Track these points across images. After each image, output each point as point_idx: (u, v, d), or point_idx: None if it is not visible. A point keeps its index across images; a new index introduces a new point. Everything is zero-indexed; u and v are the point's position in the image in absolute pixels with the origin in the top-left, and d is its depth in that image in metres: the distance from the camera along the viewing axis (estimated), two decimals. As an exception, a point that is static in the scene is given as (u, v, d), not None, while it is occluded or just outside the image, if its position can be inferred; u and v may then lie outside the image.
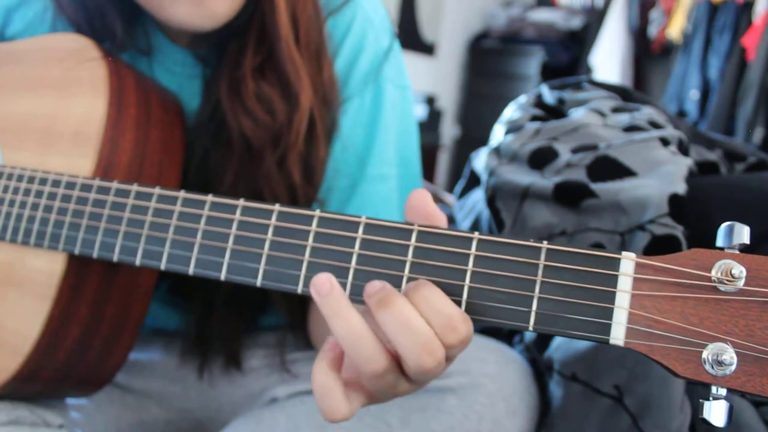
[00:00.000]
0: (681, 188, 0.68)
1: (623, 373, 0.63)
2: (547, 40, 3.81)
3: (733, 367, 0.32)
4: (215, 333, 0.70)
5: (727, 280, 0.33)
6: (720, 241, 0.34)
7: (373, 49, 0.68)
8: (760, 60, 2.93)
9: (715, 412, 0.33)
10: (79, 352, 0.56)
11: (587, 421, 0.64)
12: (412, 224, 0.40)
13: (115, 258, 0.49)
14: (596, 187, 0.73)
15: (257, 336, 0.76)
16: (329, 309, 0.38)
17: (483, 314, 0.38)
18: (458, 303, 0.38)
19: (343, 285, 0.40)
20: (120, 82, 0.58)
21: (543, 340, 0.74)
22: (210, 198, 0.46)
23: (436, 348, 0.36)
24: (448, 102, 4.07)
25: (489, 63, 4.03)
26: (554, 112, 0.94)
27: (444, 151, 3.95)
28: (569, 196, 0.74)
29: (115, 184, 0.50)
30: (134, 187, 0.49)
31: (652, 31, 3.56)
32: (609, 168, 0.74)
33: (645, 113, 0.85)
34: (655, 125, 0.82)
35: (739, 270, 0.33)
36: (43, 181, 0.54)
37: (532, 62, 3.78)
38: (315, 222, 0.42)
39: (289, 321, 0.72)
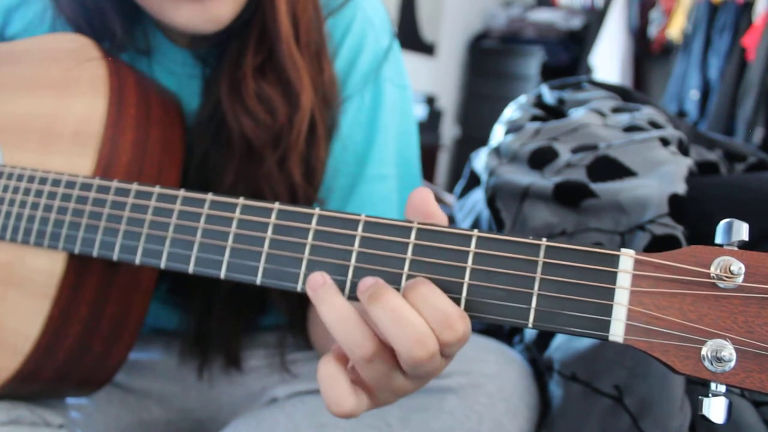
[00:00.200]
0: (681, 188, 0.68)
1: (623, 373, 0.63)
2: (547, 40, 3.82)
3: (733, 364, 0.32)
4: (215, 333, 0.70)
5: (726, 277, 0.33)
6: (719, 238, 0.34)
7: (372, 49, 0.68)
8: (760, 60, 2.94)
9: (715, 408, 0.33)
10: (79, 351, 0.56)
11: (587, 421, 0.64)
12: (411, 222, 0.40)
13: (115, 257, 0.49)
14: (596, 187, 0.73)
15: (257, 336, 0.76)
16: (319, 299, 0.39)
17: (482, 311, 0.38)
18: (457, 300, 0.38)
19: (343, 283, 0.40)
20: (120, 81, 0.58)
21: (543, 340, 0.74)
22: (210, 196, 0.46)
23: (428, 341, 0.36)
24: (448, 102, 4.07)
25: (489, 63, 4.04)
26: (554, 112, 0.94)
27: (444, 151, 3.95)
28: (569, 196, 0.74)
29: (115, 183, 0.50)
30: (134, 186, 0.49)
31: (652, 31, 3.57)
32: (609, 168, 0.74)
33: (645, 113, 0.85)
34: (655, 125, 0.82)
35: (738, 266, 0.33)
36: (43, 181, 0.55)
37: (532, 62, 3.78)
38: (315, 220, 0.42)
39: (289, 321, 0.72)
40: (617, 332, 0.35)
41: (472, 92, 4.10)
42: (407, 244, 0.40)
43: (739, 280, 0.33)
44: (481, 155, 0.94)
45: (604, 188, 0.72)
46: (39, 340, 0.53)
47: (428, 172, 3.53)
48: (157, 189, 0.48)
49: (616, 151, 0.76)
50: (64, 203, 0.52)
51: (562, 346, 0.70)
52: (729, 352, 0.32)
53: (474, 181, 0.98)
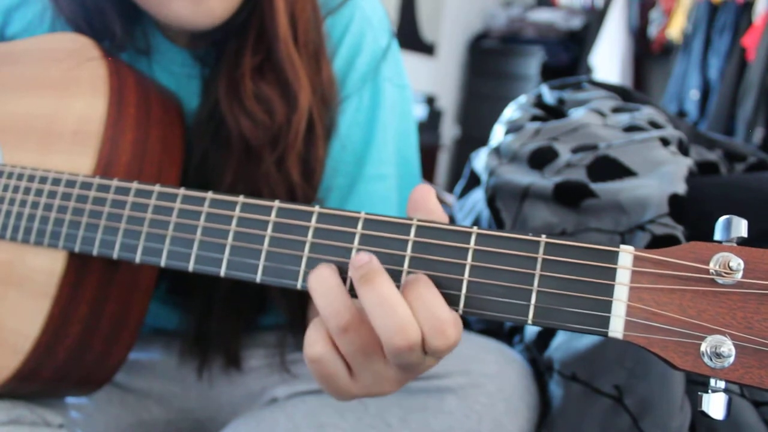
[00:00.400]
0: (681, 188, 0.68)
1: (623, 373, 0.63)
2: (547, 40, 3.82)
3: (732, 359, 0.32)
4: (215, 333, 0.70)
5: (725, 273, 0.33)
6: (718, 235, 0.34)
7: (371, 49, 0.68)
8: (760, 60, 2.94)
9: (714, 404, 0.33)
10: (79, 351, 0.56)
11: (587, 421, 0.64)
12: (411, 219, 0.40)
13: (115, 255, 0.49)
14: (596, 187, 0.73)
15: (257, 336, 0.76)
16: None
17: (482, 308, 0.38)
18: (457, 297, 0.38)
19: (343, 281, 0.40)
20: (120, 81, 0.58)
21: (543, 340, 0.74)
22: (210, 195, 0.46)
23: (410, 331, 0.37)
24: (448, 102, 4.07)
25: (489, 63, 4.04)
26: (554, 112, 0.94)
27: (444, 151, 3.95)
28: (569, 196, 0.74)
29: (115, 182, 0.50)
30: (134, 185, 0.49)
31: (652, 31, 3.57)
32: (609, 168, 0.74)
33: (645, 113, 0.85)
34: (655, 125, 0.82)
35: (737, 262, 0.33)
36: (43, 180, 0.55)
37: (532, 62, 3.78)
38: (314, 218, 0.42)
39: (289, 320, 0.72)
40: (617, 328, 0.35)
41: (472, 92, 4.10)
42: (407, 241, 0.40)
43: (738, 276, 0.33)
44: (481, 155, 0.94)
45: (604, 188, 0.72)
46: (39, 339, 0.53)
47: (428, 172, 3.53)
48: (157, 187, 0.48)
49: (616, 151, 0.76)
50: (64, 202, 0.52)
51: (562, 345, 0.70)
52: (728, 347, 0.32)
53: (474, 181, 0.98)
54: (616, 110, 0.88)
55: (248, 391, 0.74)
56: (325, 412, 0.64)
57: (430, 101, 3.63)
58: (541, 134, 0.84)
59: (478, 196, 0.94)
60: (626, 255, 0.35)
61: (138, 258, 0.48)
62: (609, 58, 3.58)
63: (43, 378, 0.56)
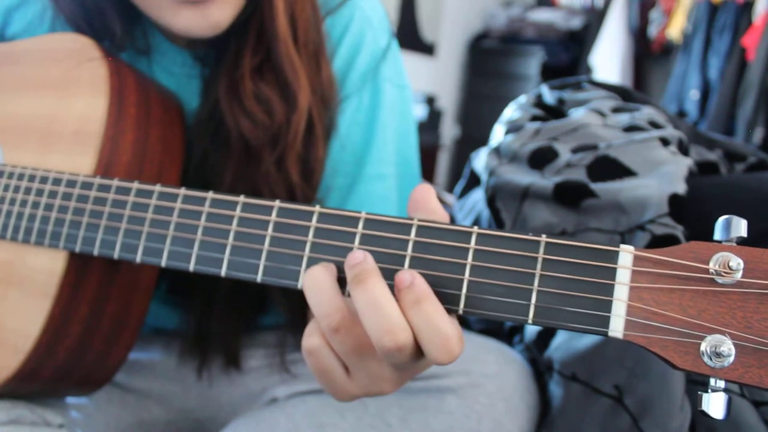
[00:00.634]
0: (681, 188, 0.68)
1: (623, 373, 0.63)
2: (547, 40, 3.82)
3: (732, 359, 0.32)
4: (215, 333, 0.70)
5: (725, 272, 0.33)
6: (718, 235, 0.34)
7: (371, 49, 0.68)
8: (760, 60, 2.94)
9: (714, 404, 0.33)
10: (80, 350, 0.56)
11: (587, 421, 0.64)
12: (411, 219, 0.40)
13: (116, 255, 0.49)
14: (596, 187, 0.73)
15: (257, 336, 0.76)
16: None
17: (483, 308, 0.38)
18: (458, 297, 0.38)
19: (343, 280, 0.40)
20: (120, 81, 0.58)
21: (543, 340, 0.74)
22: (210, 195, 0.46)
23: (399, 333, 0.37)
24: (448, 102, 4.07)
25: (489, 63, 4.04)
26: (554, 112, 0.94)
27: (444, 151, 3.95)
28: (569, 196, 0.74)
29: (115, 182, 0.51)
30: (135, 185, 0.49)
31: (652, 31, 3.57)
32: (609, 168, 0.75)
33: (645, 113, 0.85)
34: (655, 125, 0.82)
35: (737, 262, 0.33)
36: (43, 180, 0.55)
37: (532, 62, 3.78)
38: (315, 218, 0.42)
39: (289, 320, 0.72)
40: (617, 328, 0.35)
41: (472, 92, 4.10)
42: (407, 241, 0.40)
43: (738, 275, 0.33)
44: (481, 155, 0.94)
45: (604, 188, 0.72)
46: (39, 339, 0.53)
47: (428, 172, 3.53)
48: (158, 188, 0.48)
49: (616, 151, 0.76)
50: (64, 202, 0.52)
51: (562, 345, 0.70)
52: (728, 347, 0.32)
53: (474, 181, 0.98)
54: (616, 110, 0.88)
55: (248, 391, 0.74)
56: (325, 412, 0.64)
57: (430, 101, 3.63)
58: (541, 134, 0.84)
59: (478, 196, 0.94)
60: (626, 255, 0.35)
61: (139, 258, 0.48)
62: (609, 58, 3.58)
63: (44, 378, 0.56)
